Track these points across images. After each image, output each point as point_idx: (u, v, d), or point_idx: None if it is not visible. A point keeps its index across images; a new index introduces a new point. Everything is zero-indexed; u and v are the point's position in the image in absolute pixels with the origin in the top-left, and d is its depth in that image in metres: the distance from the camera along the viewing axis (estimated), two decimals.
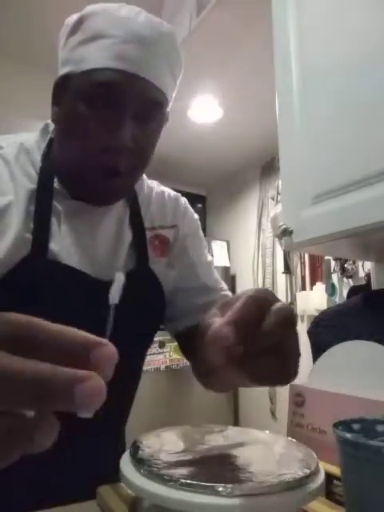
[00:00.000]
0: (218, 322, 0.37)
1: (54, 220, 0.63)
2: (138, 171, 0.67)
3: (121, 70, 0.58)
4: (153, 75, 0.60)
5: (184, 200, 0.83)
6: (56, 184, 0.64)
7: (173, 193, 0.82)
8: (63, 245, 0.62)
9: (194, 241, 0.80)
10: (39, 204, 0.61)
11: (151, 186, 0.80)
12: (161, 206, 0.77)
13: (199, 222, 0.84)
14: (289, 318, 0.36)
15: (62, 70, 0.63)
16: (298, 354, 0.38)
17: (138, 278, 0.69)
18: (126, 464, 0.46)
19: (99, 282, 0.63)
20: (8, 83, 2.27)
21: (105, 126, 0.58)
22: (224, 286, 0.83)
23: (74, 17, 0.62)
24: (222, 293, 0.80)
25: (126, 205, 0.72)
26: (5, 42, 2.23)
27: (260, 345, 0.35)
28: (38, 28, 2.06)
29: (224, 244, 3.27)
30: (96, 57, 0.58)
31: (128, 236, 0.70)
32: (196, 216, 0.84)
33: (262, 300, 0.36)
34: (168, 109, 0.67)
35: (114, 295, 0.34)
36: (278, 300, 0.37)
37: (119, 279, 0.34)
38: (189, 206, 0.83)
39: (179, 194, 0.83)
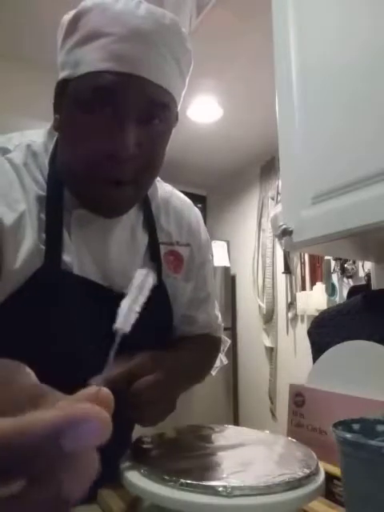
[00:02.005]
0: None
1: (65, 230, 0.60)
2: (148, 179, 0.62)
3: (119, 72, 0.53)
4: (156, 74, 0.55)
5: (200, 216, 0.80)
6: (64, 191, 0.62)
7: (189, 205, 0.79)
8: (76, 255, 0.60)
9: (209, 270, 0.80)
10: (50, 214, 0.59)
11: (167, 194, 0.76)
12: (178, 220, 0.74)
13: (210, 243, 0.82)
14: (135, 396, 0.51)
15: (61, 75, 0.58)
16: (146, 416, 0.54)
17: (152, 292, 0.67)
18: (126, 464, 0.46)
19: (113, 293, 0.62)
20: None
21: (106, 134, 0.54)
22: (218, 320, 0.84)
23: (69, 15, 0.58)
24: (204, 331, 0.80)
25: (139, 211, 0.69)
26: None
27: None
28: (29, 24, 2.02)
29: (224, 244, 3.27)
30: (91, 59, 0.54)
31: (142, 245, 0.68)
32: (208, 236, 0.81)
33: (132, 374, 0.51)
34: (177, 108, 0.63)
35: (124, 322, 0.29)
36: (148, 373, 0.52)
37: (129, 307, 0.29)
38: (203, 223, 0.81)
39: (194, 207, 0.80)
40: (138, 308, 0.29)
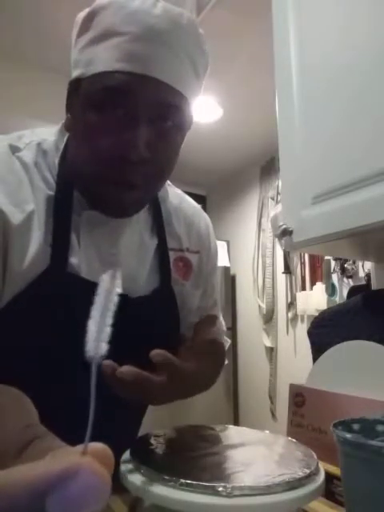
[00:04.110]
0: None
1: (73, 231, 0.59)
2: (158, 183, 0.62)
3: (132, 73, 0.52)
4: (169, 75, 0.54)
5: (209, 223, 0.79)
6: (74, 192, 0.60)
7: (199, 211, 0.78)
8: (83, 257, 0.59)
9: (217, 277, 0.80)
10: (58, 215, 0.58)
11: (177, 198, 0.75)
12: (188, 226, 0.73)
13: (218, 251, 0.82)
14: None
15: (73, 74, 0.57)
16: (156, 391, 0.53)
17: (161, 298, 0.66)
18: (126, 464, 0.46)
19: (120, 297, 0.61)
20: None
21: (117, 135, 0.53)
22: (223, 326, 0.84)
23: (84, 12, 0.56)
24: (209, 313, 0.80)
25: (147, 215, 0.68)
26: None
27: None
28: (28, 23, 2.02)
29: (224, 244, 3.27)
30: (104, 58, 0.53)
31: (150, 250, 0.67)
32: (216, 243, 0.81)
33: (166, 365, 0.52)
34: (192, 111, 0.61)
35: (95, 347, 0.24)
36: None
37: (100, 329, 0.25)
38: (212, 229, 0.79)
39: (204, 213, 0.79)
40: (108, 323, 0.24)
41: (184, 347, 0.63)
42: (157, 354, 0.51)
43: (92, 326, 0.24)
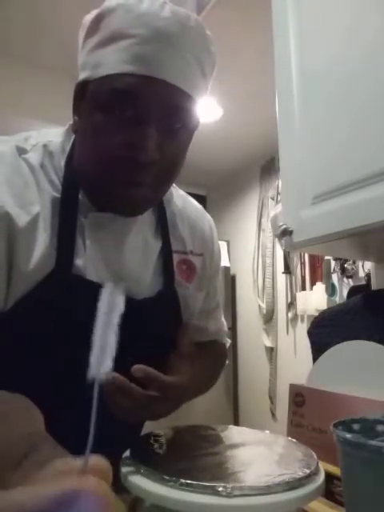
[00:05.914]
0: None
1: (78, 233, 0.59)
2: (166, 183, 0.62)
3: (139, 75, 0.52)
4: (178, 77, 0.54)
5: (213, 225, 0.79)
6: (80, 194, 0.60)
7: (203, 213, 0.78)
8: (89, 259, 0.59)
9: (220, 279, 0.81)
10: (64, 217, 0.58)
11: (181, 200, 0.75)
12: (192, 229, 0.73)
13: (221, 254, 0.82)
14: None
15: (81, 76, 0.57)
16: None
17: (164, 300, 0.66)
18: (126, 464, 0.46)
19: (125, 299, 0.61)
20: None
21: (126, 138, 0.53)
22: (224, 327, 0.85)
23: (92, 15, 0.56)
24: (213, 338, 0.81)
25: (151, 216, 0.68)
26: None
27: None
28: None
29: (224, 244, 3.27)
30: (113, 60, 0.53)
31: (154, 252, 0.67)
32: (219, 245, 0.81)
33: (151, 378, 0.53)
34: (198, 111, 0.61)
35: (98, 367, 0.22)
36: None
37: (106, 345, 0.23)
38: (215, 232, 0.80)
39: (208, 215, 0.79)
40: (113, 338, 0.23)
41: (174, 355, 0.63)
42: (137, 369, 0.52)
43: (95, 345, 0.23)
